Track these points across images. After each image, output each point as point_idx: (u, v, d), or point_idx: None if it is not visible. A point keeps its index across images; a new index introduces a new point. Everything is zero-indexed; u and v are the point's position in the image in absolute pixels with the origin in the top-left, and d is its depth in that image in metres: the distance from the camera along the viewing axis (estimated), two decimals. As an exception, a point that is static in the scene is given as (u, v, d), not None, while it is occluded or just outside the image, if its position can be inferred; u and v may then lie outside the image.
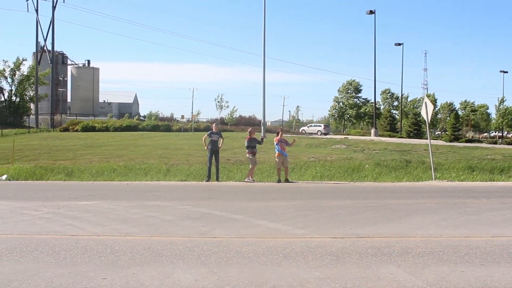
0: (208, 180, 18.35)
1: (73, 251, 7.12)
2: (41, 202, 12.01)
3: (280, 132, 19.43)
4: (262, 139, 20.71)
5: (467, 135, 75.55)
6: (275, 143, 18.67)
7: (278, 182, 17.96)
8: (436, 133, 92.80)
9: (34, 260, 6.65)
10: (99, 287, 5.56)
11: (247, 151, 18.88)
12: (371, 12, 55.00)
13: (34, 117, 66.75)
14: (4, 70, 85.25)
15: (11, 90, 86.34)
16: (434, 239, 8.14)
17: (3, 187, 16.47)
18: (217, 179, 18.62)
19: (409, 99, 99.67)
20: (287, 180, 18.07)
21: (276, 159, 18.44)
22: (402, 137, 56.60)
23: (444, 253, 7.21)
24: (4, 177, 18.94)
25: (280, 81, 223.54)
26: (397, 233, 8.55)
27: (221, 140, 19.30)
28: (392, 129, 67.48)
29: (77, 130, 50.64)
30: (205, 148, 19.24)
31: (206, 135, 19.48)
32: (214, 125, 20.96)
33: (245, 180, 18.25)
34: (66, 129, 52.25)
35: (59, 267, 6.31)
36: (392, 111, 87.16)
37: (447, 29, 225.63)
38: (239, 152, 25.63)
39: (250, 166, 18.67)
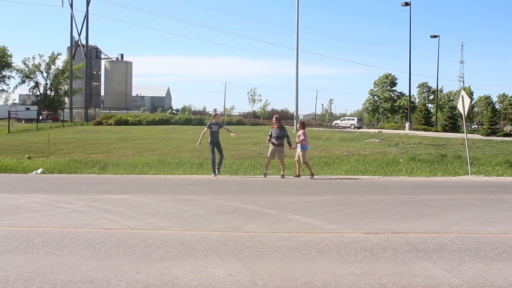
0: (215, 174, 17.89)
1: (108, 244, 7.18)
2: (76, 196, 12.15)
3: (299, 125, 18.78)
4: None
5: (504, 129, 74.21)
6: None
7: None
8: (473, 127, 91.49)
9: (69, 253, 6.72)
10: (133, 281, 5.58)
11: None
12: (407, 4, 54.16)
13: (68, 111, 67.69)
14: (39, 64, 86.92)
15: (46, 84, 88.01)
16: (471, 235, 7.97)
17: (39, 180, 16.72)
18: (218, 171, 18.06)
19: (444, 92, 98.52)
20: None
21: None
22: (438, 131, 55.91)
23: (481, 250, 7.06)
24: (39, 170, 19.24)
25: (313, 74, 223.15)
26: (433, 229, 8.40)
27: (224, 128, 18.68)
28: (427, 122, 66.59)
29: (110, 124, 51.28)
30: (197, 144, 18.71)
31: (205, 128, 18.66)
32: (213, 115, 19.86)
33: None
34: (99, 123, 52.95)
35: (94, 260, 6.36)
36: (427, 104, 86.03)
37: (484, 20, 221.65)
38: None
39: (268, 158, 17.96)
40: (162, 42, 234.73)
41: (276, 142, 17.71)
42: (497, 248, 7.13)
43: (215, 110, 62.46)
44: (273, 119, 18.74)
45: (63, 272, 5.86)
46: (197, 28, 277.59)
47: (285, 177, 17.49)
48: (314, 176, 17.55)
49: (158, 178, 17.18)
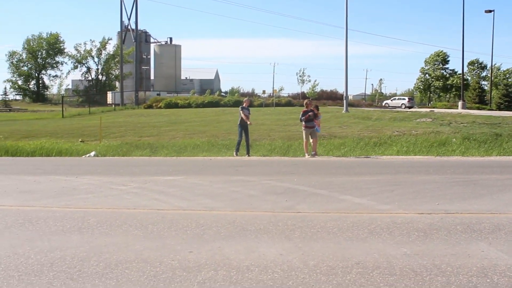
0: (237, 154, 18.39)
1: (160, 225, 7.28)
2: (129, 177, 12.37)
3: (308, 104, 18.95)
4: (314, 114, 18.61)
5: None
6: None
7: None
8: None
9: (123, 233, 6.86)
10: (186, 260, 5.65)
11: (303, 124, 18.28)
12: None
13: (119, 94, 68.78)
14: (91, 50, 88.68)
15: (97, 69, 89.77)
16: (529, 215, 7.75)
17: (92, 163, 17.09)
18: (248, 154, 18.53)
19: (501, 70, 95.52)
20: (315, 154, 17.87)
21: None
22: (492, 110, 54.44)
23: (539, 230, 6.86)
24: (92, 153, 19.63)
25: (363, 53, 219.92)
26: (488, 209, 8.20)
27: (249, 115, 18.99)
28: (481, 101, 64.86)
29: (160, 107, 51.88)
30: (249, 123, 19.02)
31: (240, 110, 19.12)
32: (244, 100, 20.44)
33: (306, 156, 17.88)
34: (150, 106, 53.64)
35: (147, 240, 6.47)
36: (480, 82, 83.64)
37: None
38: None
39: (304, 141, 18.19)
40: (210, 24, 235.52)
41: (310, 125, 18.17)
42: (556, 229, 6.91)
43: (264, 91, 62.42)
44: (306, 103, 19.30)
45: (117, 252, 5.99)
46: (245, 10, 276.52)
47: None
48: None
49: (208, 160, 17.31)
